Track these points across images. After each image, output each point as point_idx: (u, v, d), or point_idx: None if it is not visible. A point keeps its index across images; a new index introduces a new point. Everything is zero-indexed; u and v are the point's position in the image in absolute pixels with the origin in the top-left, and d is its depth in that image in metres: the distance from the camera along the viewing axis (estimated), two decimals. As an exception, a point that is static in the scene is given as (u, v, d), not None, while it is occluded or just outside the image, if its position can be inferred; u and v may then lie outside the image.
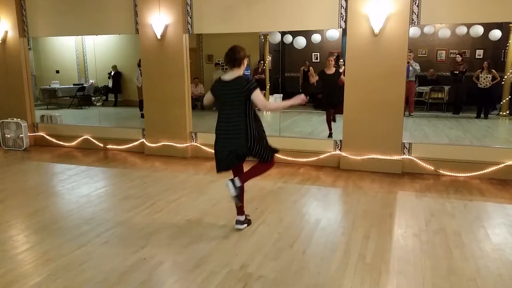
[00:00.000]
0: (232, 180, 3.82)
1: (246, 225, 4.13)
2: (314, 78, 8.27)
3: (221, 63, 12.41)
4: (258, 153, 3.80)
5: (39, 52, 12.78)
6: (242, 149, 3.75)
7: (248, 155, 3.83)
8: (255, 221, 4.31)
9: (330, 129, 8.17)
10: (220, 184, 5.63)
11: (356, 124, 6.28)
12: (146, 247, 3.75)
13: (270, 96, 12.16)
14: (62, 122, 8.97)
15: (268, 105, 3.83)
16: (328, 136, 7.99)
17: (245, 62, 3.83)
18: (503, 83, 10.72)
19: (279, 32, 11.11)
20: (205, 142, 7.19)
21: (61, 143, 8.27)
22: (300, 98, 3.85)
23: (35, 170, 6.70)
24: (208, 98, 3.98)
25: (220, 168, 3.91)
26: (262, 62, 11.87)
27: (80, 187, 5.63)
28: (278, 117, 11.43)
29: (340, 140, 6.50)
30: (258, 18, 6.62)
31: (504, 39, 10.98)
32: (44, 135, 8.43)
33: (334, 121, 8.32)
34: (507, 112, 10.81)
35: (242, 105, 3.71)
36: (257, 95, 3.69)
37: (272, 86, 12.31)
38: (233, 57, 3.76)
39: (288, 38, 11.86)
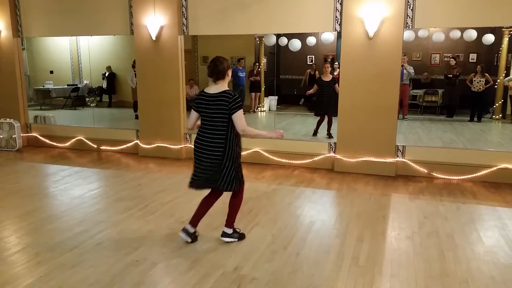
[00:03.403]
0: (224, 234, 3.84)
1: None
2: (314, 89, 8.67)
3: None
4: (228, 178, 3.58)
5: (33, 52, 12.73)
6: (216, 169, 3.55)
7: (218, 178, 3.58)
8: (249, 223, 4.31)
9: (317, 128, 8.63)
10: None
11: (350, 126, 6.30)
12: (140, 249, 3.73)
13: (265, 98, 12.19)
14: (55, 122, 8.91)
15: (247, 129, 3.50)
16: (313, 134, 8.59)
17: (229, 73, 3.59)
18: (496, 86, 10.82)
19: (274, 34, 11.14)
20: (200, 143, 7.18)
21: (55, 144, 8.23)
22: (278, 133, 3.73)
23: (28, 171, 6.65)
24: (193, 118, 3.69)
25: (192, 185, 3.71)
26: (257, 64, 11.89)
27: (73, 188, 5.59)
28: (273, 119, 11.46)
29: (335, 143, 6.52)
30: (253, 20, 6.62)
31: (497, 43, 11.10)
32: (37, 135, 8.38)
33: (329, 130, 8.52)
34: (500, 115, 10.90)
35: (225, 121, 3.50)
36: (238, 116, 3.47)
37: (267, 88, 12.33)
38: (216, 69, 3.51)
39: (284, 41, 11.89)
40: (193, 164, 3.73)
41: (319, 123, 8.59)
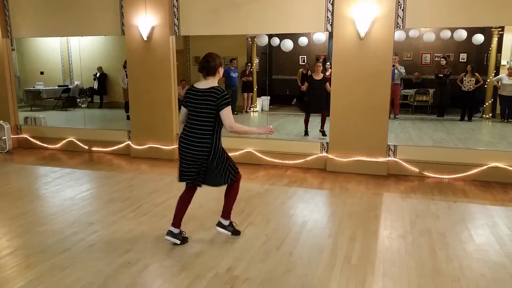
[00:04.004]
0: (219, 224, 3.83)
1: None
2: (305, 86, 8.68)
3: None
4: (220, 172, 3.60)
5: (23, 53, 12.58)
6: (203, 166, 3.56)
7: (207, 175, 3.60)
8: (242, 224, 4.31)
9: (306, 127, 8.64)
10: (206, 187, 5.59)
11: (342, 126, 6.33)
12: (132, 250, 3.71)
13: (257, 98, 12.19)
14: (46, 124, 8.84)
15: (234, 126, 3.50)
16: (305, 134, 8.56)
17: (221, 70, 3.60)
18: (486, 86, 10.92)
19: (266, 34, 11.14)
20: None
21: (45, 145, 8.15)
22: (268, 128, 3.74)
23: (18, 173, 6.58)
24: (183, 114, 3.67)
25: (181, 179, 3.72)
26: (249, 64, 11.88)
27: (65, 190, 5.55)
28: (265, 119, 11.46)
29: (327, 143, 6.54)
30: (245, 21, 6.62)
31: (486, 43, 11.20)
32: (27, 137, 8.30)
33: (323, 127, 8.51)
34: (490, 114, 11.01)
35: (212, 118, 3.49)
36: (226, 113, 3.46)
37: (260, 89, 12.33)
38: (207, 65, 3.51)
39: (276, 41, 11.89)
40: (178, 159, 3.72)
41: (306, 122, 8.61)
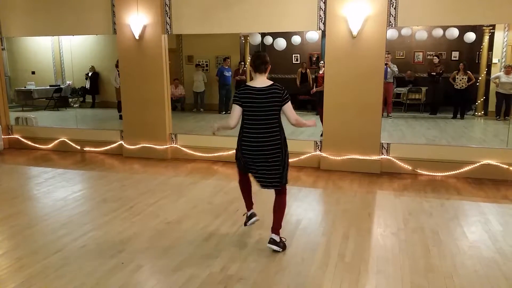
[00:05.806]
0: (272, 241, 3.62)
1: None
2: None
3: (202, 64, 12.36)
4: (283, 171, 3.60)
5: (13, 52, 12.44)
6: (277, 162, 3.54)
7: (276, 172, 3.57)
8: (236, 223, 4.30)
9: None
10: (200, 186, 5.59)
11: (335, 124, 6.33)
12: (125, 251, 3.69)
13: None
14: (37, 124, 8.74)
15: (299, 119, 3.61)
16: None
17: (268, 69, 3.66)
18: (478, 84, 10.99)
19: (259, 33, 11.13)
20: (185, 143, 7.14)
21: (37, 145, 8.08)
22: (314, 122, 3.89)
23: (9, 174, 6.52)
24: (238, 114, 3.56)
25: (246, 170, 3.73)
26: (242, 63, 11.87)
27: (57, 190, 5.50)
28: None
29: (320, 141, 6.54)
30: (237, 19, 6.60)
31: (478, 42, 11.27)
32: (19, 137, 8.22)
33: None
34: (482, 112, 11.08)
35: (277, 114, 3.55)
36: (290, 107, 3.55)
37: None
38: (264, 60, 3.57)
39: (269, 40, 11.88)
40: (238, 165, 3.75)
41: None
